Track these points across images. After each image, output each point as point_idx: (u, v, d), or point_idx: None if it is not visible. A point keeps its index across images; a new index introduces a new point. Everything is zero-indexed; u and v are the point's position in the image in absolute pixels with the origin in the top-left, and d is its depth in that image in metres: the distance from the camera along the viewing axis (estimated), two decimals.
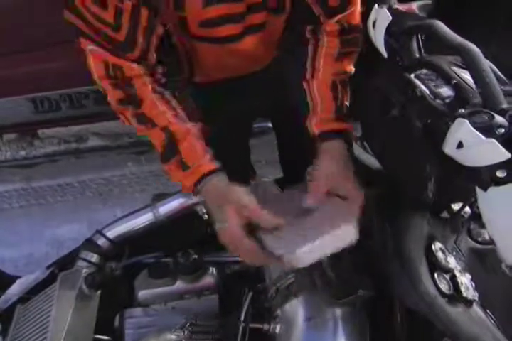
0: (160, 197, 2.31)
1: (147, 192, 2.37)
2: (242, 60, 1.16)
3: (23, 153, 2.28)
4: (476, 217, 0.85)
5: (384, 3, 0.94)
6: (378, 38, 0.91)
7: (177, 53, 1.12)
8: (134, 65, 1.00)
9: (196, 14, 1.00)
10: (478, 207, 0.80)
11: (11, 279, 1.37)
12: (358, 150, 1.01)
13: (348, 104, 1.05)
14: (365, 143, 1.01)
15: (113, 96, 1.02)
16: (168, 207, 1.27)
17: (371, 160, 0.96)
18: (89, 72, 1.02)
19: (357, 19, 1.08)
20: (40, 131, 2.27)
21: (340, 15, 1.05)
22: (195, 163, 0.99)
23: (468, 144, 0.63)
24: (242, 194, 0.94)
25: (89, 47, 0.99)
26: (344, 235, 0.85)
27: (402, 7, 0.94)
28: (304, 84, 1.07)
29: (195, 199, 1.25)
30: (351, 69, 1.08)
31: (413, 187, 0.80)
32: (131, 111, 1.03)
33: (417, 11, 0.98)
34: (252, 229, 0.92)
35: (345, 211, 0.88)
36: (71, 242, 1.71)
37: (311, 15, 1.06)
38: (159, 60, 1.03)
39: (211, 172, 0.99)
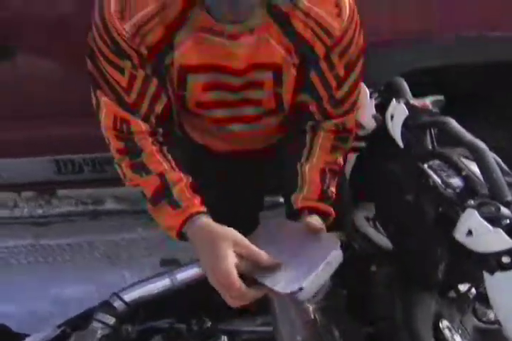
0: (168, 263, 2.35)
1: (155, 257, 2.40)
2: (235, 138, 1.25)
3: (40, 211, 2.35)
4: (481, 297, 0.91)
5: (401, 98, 1.05)
6: (396, 130, 1.01)
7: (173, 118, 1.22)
8: (140, 122, 1.09)
9: (194, 96, 1.11)
10: (484, 288, 0.86)
11: (17, 337, 1.40)
12: (370, 230, 1.08)
13: (333, 190, 1.13)
14: (377, 224, 1.08)
15: (114, 146, 1.11)
16: (186, 274, 1.31)
17: (383, 241, 1.03)
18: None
19: (352, 124, 1.18)
20: (58, 191, 2.35)
21: (337, 120, 1.16)
22: (187, 203, 1.04)
23: (477, 232, 0.71)
24: (236, 232, 0.96)
25: (104, 98, 1.09)
26: (335, 260, 0.92)
27: (417, 102, 1.05)
28: (298, 166, 1.15)
29: None
30: (341, 161, 1.17)
31: (424, 268, 0.86)
32: (128, 161, 1.10)
33: (430, 107, 1.09)
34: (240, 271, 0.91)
35: (325, 241, 0.95)
36: (76, 302, 1.73)
37: (309, 116, 1.17)
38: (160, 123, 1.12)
39: (200, 213, 1.03)
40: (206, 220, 1.02)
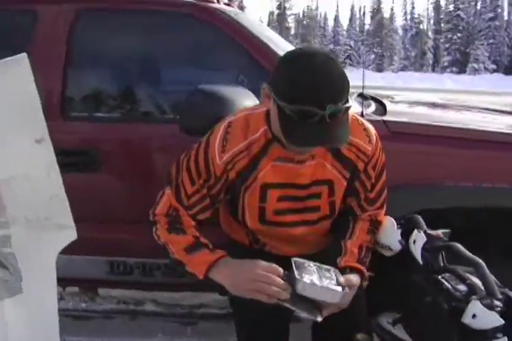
0: None
1: None
2: (297, 240, 1.61)
3: (83, 305, 2.56)
4: None
5: (421, 228, 1.46)
6: (417, 251, 1.41)
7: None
8: (187, 214, 1.50)
9: (272, 205, 1.54)
10: None
11: None
12: (394, 330, 1.40)
13: (366, 262, 1.53)
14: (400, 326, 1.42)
15: (163, 226, 1.50)
16: None
17: (406, 337, 1.36)
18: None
19: (381, 217, 1.62)
20: (99, 289, 2.59)
21: (371, 212, 1.61)
22: (221, 251, 1.44)
23: (480, 315, 1.07)
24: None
25: (168, 191, 1.52)
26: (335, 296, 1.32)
27: (432, 232, 1.45)
28: (342, 242, 1.56)
29: None
30: (373, 242, 1.59)
31: None
32: (167, 226, 1.50)
33: (441, 235, 1.48)
34: None
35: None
36: None
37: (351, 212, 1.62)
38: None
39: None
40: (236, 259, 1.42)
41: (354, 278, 1.45)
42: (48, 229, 1.59)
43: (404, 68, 39.96)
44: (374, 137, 1.56)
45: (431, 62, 42.65)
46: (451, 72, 35.69)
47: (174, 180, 1.53)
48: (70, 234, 1.63)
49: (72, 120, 2.30)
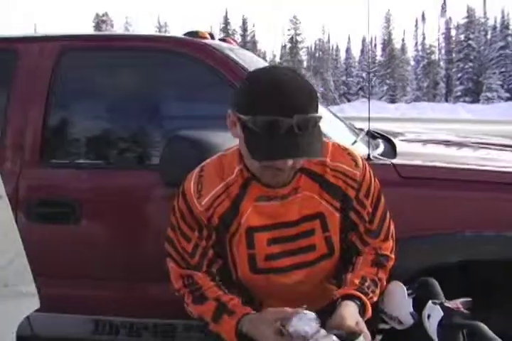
0: None
1: None
2: (289, 296, 1.41)
3: None
4: None
5: (437, 298, 1.23)
6: (432, 328, 1.18)
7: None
8: (201, 274, 1.39)
9: (263, 250, 1.38)
10: None
11: None
12: None
13: (372, 296, 1.33)
14: None
15: (188, 299, 1.40)
16: None
17: None
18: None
19: (388, 252, 1.44)
20: None
21: (375, 245, 1.43)
22: (240, 310, 1.32)
23: None
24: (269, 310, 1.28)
25: (171, 264, 1.41)
26: None
27: (450, 304, 1.23)
28: (343, 276, 1.39)
29: None
30: (382, 277, 1.40)
31: None
32: (193, 297, 1.38)
33: (461, 307, 1.26)
34: None
35: None
36: None
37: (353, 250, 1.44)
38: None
39: (249, 313, 1.31)
40: (251, 315, 1.30)
41: (350, 305, 1.30)
42: (7, 297, 1.44)
43: (417, 99, 39.95)
44: (360, 161, 1.43)
45: (444, 92, 42.58)
46: (465, 101, 35.53)
47: (171, 248, 1.43)
48: (33, 303, 1.49)
49: (53, 167, 2.12)
